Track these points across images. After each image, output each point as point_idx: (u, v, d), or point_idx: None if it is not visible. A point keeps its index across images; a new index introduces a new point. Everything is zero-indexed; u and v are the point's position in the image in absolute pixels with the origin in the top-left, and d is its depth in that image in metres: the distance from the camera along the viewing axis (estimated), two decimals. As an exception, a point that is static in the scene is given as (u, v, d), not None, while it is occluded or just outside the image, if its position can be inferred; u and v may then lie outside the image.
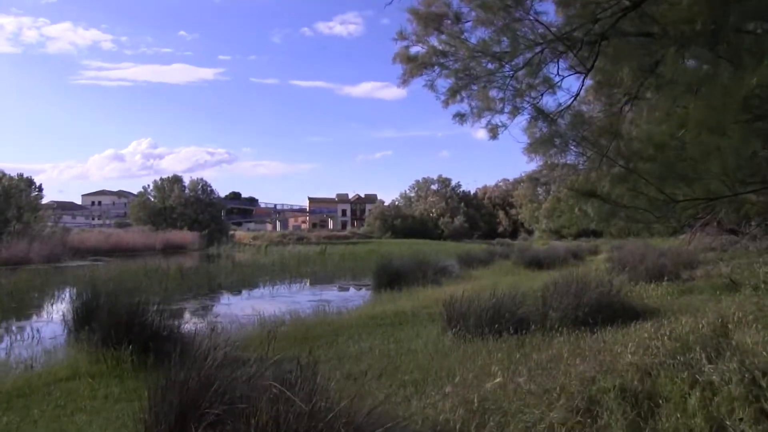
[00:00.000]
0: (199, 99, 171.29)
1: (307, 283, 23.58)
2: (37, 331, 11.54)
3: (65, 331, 9.49)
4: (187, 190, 70.02)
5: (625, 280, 13.32)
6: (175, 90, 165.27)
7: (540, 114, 7.42)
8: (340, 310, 14.16)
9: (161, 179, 70.79)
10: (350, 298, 17.74)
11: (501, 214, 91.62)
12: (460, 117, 8.82)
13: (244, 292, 20.54)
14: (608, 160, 5.84)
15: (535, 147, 7.98)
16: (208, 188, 72.08)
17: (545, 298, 9.18)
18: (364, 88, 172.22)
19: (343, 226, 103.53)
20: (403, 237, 76.01)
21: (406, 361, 7.32)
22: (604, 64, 7.06)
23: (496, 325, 8.21)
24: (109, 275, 24.32)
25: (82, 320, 8.78)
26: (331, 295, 19.15)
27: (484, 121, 8.82)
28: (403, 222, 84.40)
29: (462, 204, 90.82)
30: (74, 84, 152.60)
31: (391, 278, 17.92)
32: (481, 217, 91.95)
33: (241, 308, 16.96)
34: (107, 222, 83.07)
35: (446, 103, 9.14)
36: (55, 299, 17.81)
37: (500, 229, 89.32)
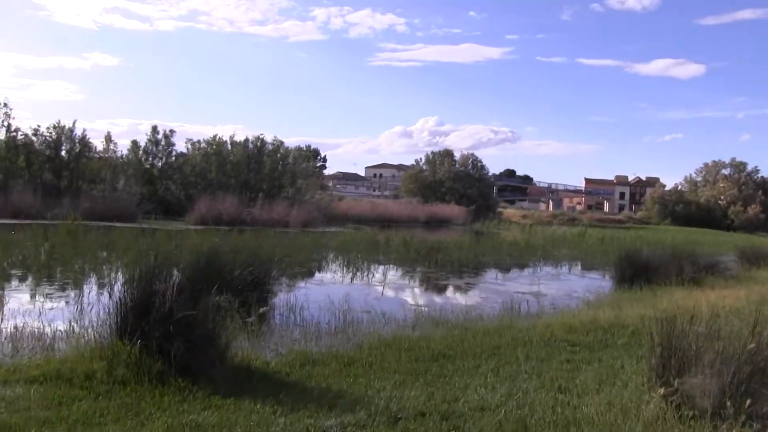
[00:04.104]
0: (485, 78, 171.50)
1: (542, 268, 19.57)
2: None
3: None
4: (457, 165, 69.59)
5: None
6: (463, 69, 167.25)
7: None
8: (542, 311, 10.45)
9: (433, 153, 71.57)
10: (574, 292, 13.49)
11: (809, 206, 73.26)
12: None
13: (460, 272, 17.53)
14: None
15: None
16: (479, 164, 70.96)
17: None
18: (656, 66, 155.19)
19: (620, 209, 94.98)
20: (685, 225, 67.56)
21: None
22: None
23: (750, 402, 3.86)
24: (335, 242, 23.72)
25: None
26: (555, 286, 15.06)
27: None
28: (685, 208, 75.08)
29: (759, 192, 76.05)
30: (370, 66, 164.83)
31: (636, 271, 14.04)
32: (781, 208, 75.04)
33: (426, 291, 14.36)
34: (385, 193, 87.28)
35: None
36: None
37: (808, 223, 71.66)
